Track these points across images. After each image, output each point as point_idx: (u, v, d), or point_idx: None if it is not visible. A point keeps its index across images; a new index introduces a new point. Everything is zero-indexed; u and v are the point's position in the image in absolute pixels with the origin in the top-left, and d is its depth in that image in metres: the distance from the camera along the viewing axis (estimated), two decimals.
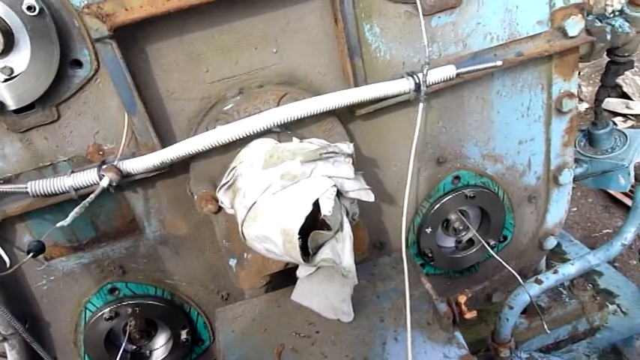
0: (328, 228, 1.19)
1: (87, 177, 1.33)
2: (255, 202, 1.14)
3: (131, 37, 1.26)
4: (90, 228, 1.50)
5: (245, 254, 1.41)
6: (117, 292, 1.63)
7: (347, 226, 1.22)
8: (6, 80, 1.24)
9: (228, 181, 1.26)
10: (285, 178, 1.13)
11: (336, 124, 1.43)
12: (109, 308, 1.62)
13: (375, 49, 1.45)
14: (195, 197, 1.36)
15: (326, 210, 1.10)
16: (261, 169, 1.18)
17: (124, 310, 1.64)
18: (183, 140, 1.34)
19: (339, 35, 1.36)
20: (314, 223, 1.19)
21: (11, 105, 1.24)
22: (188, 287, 1.70)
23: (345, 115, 1.48)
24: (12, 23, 1.19)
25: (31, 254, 1.25)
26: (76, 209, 1.25)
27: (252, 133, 1.29)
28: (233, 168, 1.27)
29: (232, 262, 1.43)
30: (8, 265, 1.43)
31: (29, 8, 1.14)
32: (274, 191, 1.13)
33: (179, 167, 1.43)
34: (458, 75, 1.48)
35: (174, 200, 1.52)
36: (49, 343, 1.65)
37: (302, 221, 1.09)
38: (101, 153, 1.40)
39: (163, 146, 1.36)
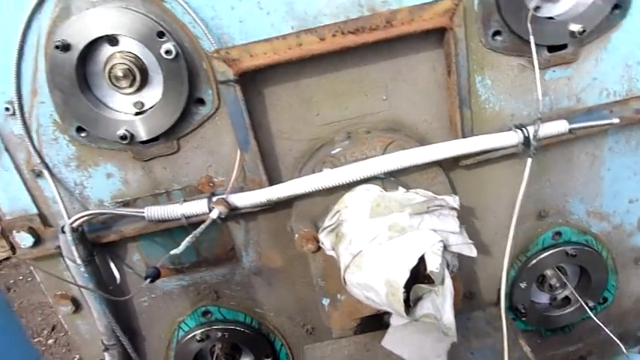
0: (430, 281, 1.18)
1: (198, 207, 1.41)
2: (361, 251, 1.16)
3: (251, 79, 1.33)
4: (193, 253, 1.58)
5: (339, 295, 1.43)
6: (209, 315, 1.70)
7: (448, 281, 1.20)
8: (138, 114, 1.35)
9: (331, 225, 1.29)
10: (393, 230, 1.14)
11: (440, 172, 1.42)
12: (200, 330, 1.68)
13: (485, 100, 1.44)
14: (296, 235, 1.40)
15: (433, 266, 1.09)
16: (368, 218, 1.20)
17: (214, 334, 1.70)
18: (289, 179, 1.40)
19: (450, 87, 1.37)
20: (416, 274, 1.19)
21: (141, 137, 1.35)
22: (275, 317, 1.74)
23: (448, 163, 1.47)
24: (148, 63, 1.30)
25: (148, 279, 1.34)
26: (188, 239, 1.33)
27: (358, 180, 1.32)
28: (337, 212, 1.30)
29: (325, 302, 1.45)
30: (118, 281, 1.54)
31: (167, 52, 1.24)
32: (381, 241, 1.14)
33: (281, 203, 1.47)
34: (570, 131, 1.43)
35: (273, 234, 1.57)
36: (142, 357, 1.75)
37: (408, 275, 1.09)
38: (211, 185, 1.48)
39: (270, 184, 1.41)
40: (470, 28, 1.32)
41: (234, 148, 1.42)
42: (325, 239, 1.31)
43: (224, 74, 1.27)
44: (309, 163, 1.43)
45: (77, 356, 3.76)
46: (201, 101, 1.37)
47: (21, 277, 4.70)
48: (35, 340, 4.09)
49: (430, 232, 1.15)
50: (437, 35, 1.33)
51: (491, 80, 1.42)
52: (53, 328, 4.16)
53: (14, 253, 1.47)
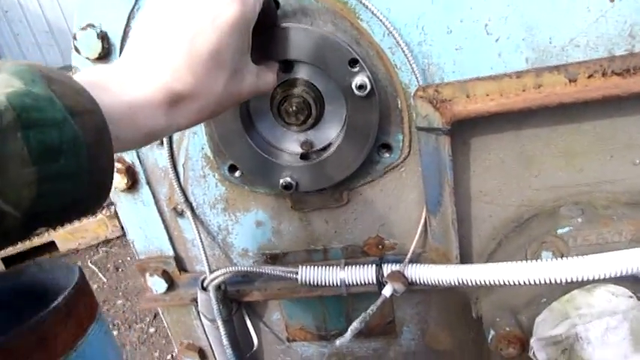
0: None
1: (363, 274, 1.12)
2: None
3: (458, 126, 1.00)
4: (342, 320, 1.30)
5: None
6: None
7: None
8: (303, 156, 1.08)
9: (558, 337, 0.93)
10: None
11: None
12: None
13: None
14: (492, 333, 1.05)
15: None
16: (631, 349, 0.83)
17: None
18: (481, 251, 1.06)
19: None
20: None
21: (308, 187, 1.07)
22: None
23: None
24: (329, 96, 1.02)
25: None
26: (356, 324, 1.04)
27: (599, 278, 0.95)
28: (566, 318, 0.94)
29: None
30: (255, 347, 1.30)
31: (360, 87, 0.94)
32: None
33: None
34: None
35: (446, 311, 1.25)
36: None
37: None
38: (380, 247, 1.17)
39: (460, 257, 1.08)
40: None
41: (417, 207, 1.11)
42: (542, 351, 0.96)
43: (427, 119, 0.95)
44: (518, 240, 1.08)
45: (174, 353, 3.72)
46: (387, 147, 1.06)
47: (129, 258, 4.78)
48: (137, 326, 4.13)
49: None
50: None
51: None
52: (155, 316, 4.17)
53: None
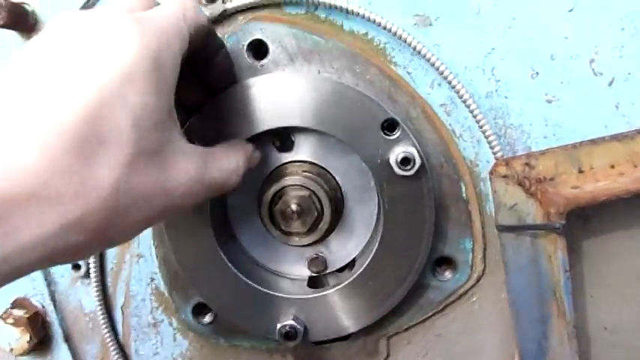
0: None
1: None
2: None
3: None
4: None
5: None
6: None
7: None
8: (313, 284, 0.67)
9: None
10: None
11: None
12: None
13: None
14: None
15: None
16: None
17: None
18: None
19: None
20: None
21: (319, 335, 0.65)
22: None
23: None
24: (354, 186, 0.64)
25: None
26: None
27: None
28: None
29: None
30: None
31: (404, 162, 0.57)
32: None
33: None
34: None
35: None
36: None
37: None
38: None
39: None
40: None
41: (497, 354, 0.68)
42: None
43: (517, 212, 0.57)
44: None
45: None
46: (448, 263, 0.66)
47: None
48: None
49: None
50: None
51: None
52: None
53: None
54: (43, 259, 0.37)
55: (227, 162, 0.52)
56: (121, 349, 0.73)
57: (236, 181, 0.53)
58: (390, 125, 0.59)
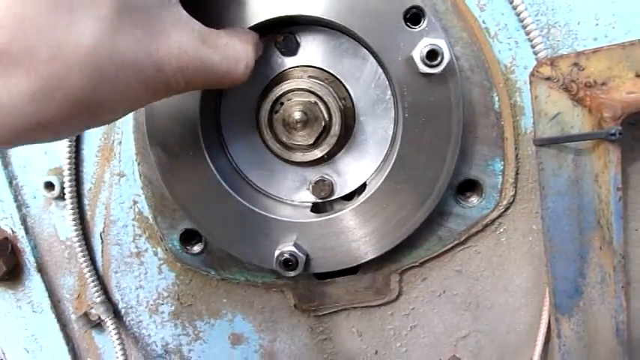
0: None
1: None
2: None
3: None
4: None
5: None
6: None
7: None
8: (317, 209, 0.59)
9: None
10: None
11: None
12: None
13: None
14: None
15: None
16: None
17: None
18: None
19: None
20: None
21: (322, 266, 0.57)
22: None
23: None
24: (369, 95, 0.55)
25: None
26: None
27: None
28: None
29: None
30: None
31: (431, 55, 0.47)
32: None
33: None
34: None
35: None
36: None
37: None
38: None
39: None
40: None
41: (530, 301, 0.60)
42: None
43: (560, 122, 0.49)
44: None
45: None
46: (473, 187, 0.58)
47: None
48: None
49: None
50: None
51: None
52: None
53: None
54: (14, 135, 0.31)
55: (232, 48, 0.43)
56: (101, 282, 0.66)
57: (244, 73, 0.44)
58: (414, 16, 0.49)
